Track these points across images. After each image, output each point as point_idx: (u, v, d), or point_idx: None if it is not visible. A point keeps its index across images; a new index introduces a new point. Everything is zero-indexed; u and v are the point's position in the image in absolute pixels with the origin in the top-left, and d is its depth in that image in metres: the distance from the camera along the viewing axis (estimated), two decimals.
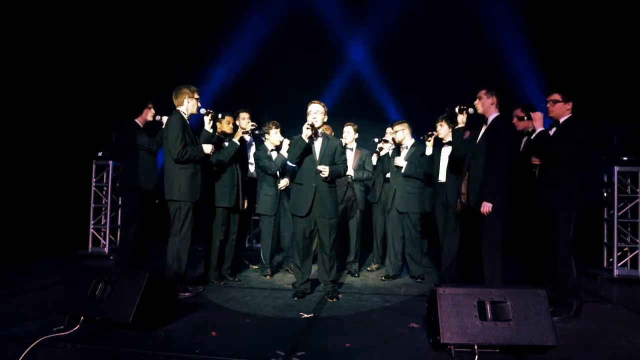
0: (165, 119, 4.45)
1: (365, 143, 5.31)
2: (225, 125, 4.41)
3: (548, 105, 3.48)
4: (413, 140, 4.82)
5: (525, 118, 3.76)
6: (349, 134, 4.98)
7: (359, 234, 5.09)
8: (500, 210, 3.42)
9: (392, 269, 4.82)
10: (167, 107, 3.99)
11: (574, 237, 3.30)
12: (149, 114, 4.70)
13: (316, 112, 3.86)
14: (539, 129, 3.46)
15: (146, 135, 4.62)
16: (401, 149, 4.84)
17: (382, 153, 5.05)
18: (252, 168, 4.94)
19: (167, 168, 3.84)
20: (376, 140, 5.10)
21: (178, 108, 3.90)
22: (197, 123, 4.24)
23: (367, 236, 5.49)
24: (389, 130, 5.14)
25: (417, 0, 6.49)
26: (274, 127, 4.87)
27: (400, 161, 4.71)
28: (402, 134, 4.79)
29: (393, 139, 4.92)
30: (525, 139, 3.90)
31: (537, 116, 3.50)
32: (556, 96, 3.44)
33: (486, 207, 3.40)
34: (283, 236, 5.13)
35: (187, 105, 3.90)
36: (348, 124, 5.04)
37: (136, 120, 4.68)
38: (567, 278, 3.30)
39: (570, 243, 3.29)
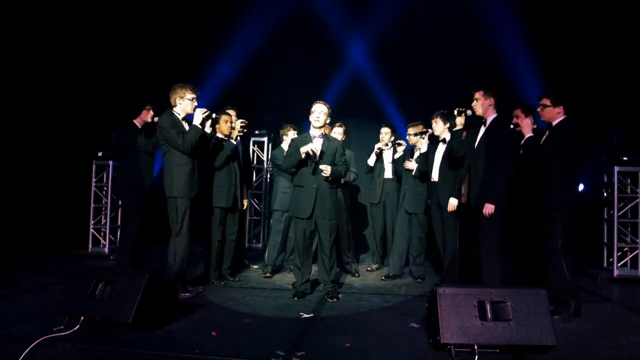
0: None
1: (364, 142, 5.31)
2: (223, 125, 4.39)
3: (538, 109, 3.52)
4: (428, 142, 4.83)
5: (513, 126, 3.77)
6: (338, 136, 4.96)
7: (350, 235, 5.10)
8: (501, 211, 3.43)
9: (394, 269, 4.82)
10: (166, 107, 3.99)
11: (567, 238, 3.29)
12: (148, 115, 4.71)
13: (320, 112, 3.87)
14: (527, 134, 3.49)
15: (144, 136, 4.63)
16: (415, 150, 4.86)
17: (396, 155, 5.05)
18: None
19: (166, 166, 3.86)
20: (389, 143, 5.07)
21: (173, 108, 3.91)
22: None
23: (360, 236, 5.50)
24: (383, 130, 5.15)
25: (417, 0, 6.49)
26: (291, 129, 4.97)
27: (411, 164, 4.73)
28: (416, 137, 4.81)
29: (407, 142, 4.94)
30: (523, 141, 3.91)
31: (525, 123, 3.54)
32: (545, 101, 3.46)
33: (488, 208, 3.40)
34: (290, 236, 5.14)
35: (180, 106, 3.90)
36: (337, 124, 5.01)
37: (134, 121, 4.70)
38: (559, 278, 3.29)
39: (557, 244, 3.28)
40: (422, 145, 4.61)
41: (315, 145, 3.82)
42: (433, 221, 4.55)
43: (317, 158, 3.82)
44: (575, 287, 3.37)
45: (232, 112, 4.59)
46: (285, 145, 4.97)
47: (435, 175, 4.44)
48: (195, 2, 6.82)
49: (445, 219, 4.28)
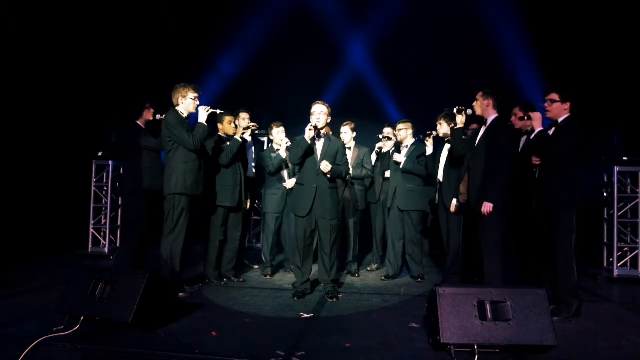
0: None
1: (364, 142, 5.31)
2: (226, 126, 4.41)
3: (546, 105, 3.47)
4: (414, 140, 4.83)
5: (526, 118, 3.76)
6: (347, 135, 4.96)
7: (357, 234, 5.08)
8: (501, 211, 3.43)
9: (392, 269, 4.82)
10: (167, 106, 4.00)
11: (576, 237, 3.29)
12: (150, 114, 4.68)
13: (320, 113, 3.87)
14: (538, 129, 3.44)
15: (151, 135, 4.56)
16: (402, 148, 4.86)
17: (383, 151, 5.06)
18: (251, 170, 4.94)
19: (171, 164, 3.84)
20: (380, 136, 5.09)
21: (176, 107, 3.92)
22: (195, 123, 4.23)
23: (366, 236, 5.48)
24: (385, 130, 5.15)
25: (417, 0, 6.49)
26: (274, 127, 4.93)
27: (400, 157, 4.72)
28: (405, 132, 4.82)
29: (395, 137, 4.93)
30: (524, 138, 3.90)
31: (537, 116, 3.47)
32: (554, 96, 3.42)
33: (487, 207, 3.41)
34: (284, 236, 5.14)
35: (183, 105, 3.90)
36: (345, 123, 5.01)
37: (138, 122, 4.66)
38: (567, 279, 3.29)
39: (572, 243, 3.28)
40: (428, 147, 4.60)
41: (314, 122, 3.81)
42: (440, 221, 4.56)
43: (319, 128, 3.82)
44: (578, 288, 3.37)
45: (246, 115, 4.64)
46: (275, 145, 4.93)
47: (440, 176, 4.45)
48: (196, 2, 6.83)
49: (450, 218, 4.29)
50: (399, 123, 4.90)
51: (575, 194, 3.29)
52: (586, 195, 3.44)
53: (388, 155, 4.95)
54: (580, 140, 3.29)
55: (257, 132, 4.84)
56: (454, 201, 4.12)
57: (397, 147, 4.92)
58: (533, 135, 3.48)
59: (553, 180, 3.36)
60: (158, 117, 4.58)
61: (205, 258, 4.42)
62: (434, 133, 4.53)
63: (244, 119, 4.65)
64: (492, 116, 3.65)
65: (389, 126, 5.19)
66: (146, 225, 4.58)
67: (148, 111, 4.66)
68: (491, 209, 3.40)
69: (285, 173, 4.89)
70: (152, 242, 5.01)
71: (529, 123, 3.61)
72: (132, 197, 4.65)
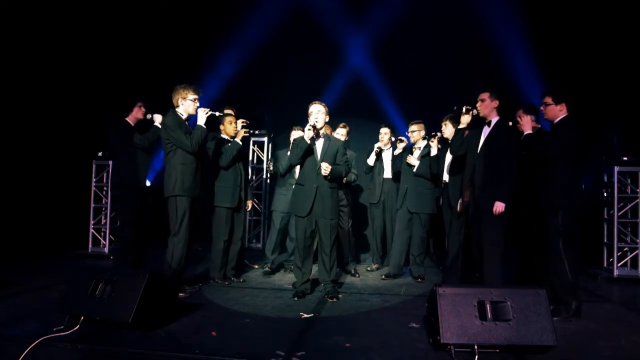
0: (156, 116, 4.50)
1: (365, 142, 5.32)
2: (227, 126, 4.41)
3: (542, 108, 3.53)
4: (426, 141, 4.84)
5: (510, 124, 3.77)
6: (341, 137, 4.94)
7: (350, 234, 5.10)
8: (504, 211, 3.44)
9: (394, 268, 4.82)
10: (165, 106, 4.00)
11: (569, 238, 3.29)
12: (140, 113, 4.71)
13: (317, 113, 3.87)
14: (526, 132, 3.51)
15: (137, 132, 4.62)
16: (414, 149, 4.87)
17: (395, 152, 5.07)
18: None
19: (170, 166, 3.85)
20: (393, 139, 5.10)
21: (176, 108, 3.92)
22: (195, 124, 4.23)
23: (362, 236, 5.50)
24: (383, 130, 5.16)
25: (418, 0, 6.49)
26: (295, 129, 4.95)
27: (414, 160, 4.73)
28: (418, 134, 4.84)
29: (408, 138, 4.96)
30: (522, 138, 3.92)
31: (525, 120, 3.56)
32: (547, 99, 3.47)
33: (499, 207, 3.42)
34: (290, 237, 5.16)
35: (182, 107, 3.90)
36: (341, 125, 5.01)
37: (127, 119, 4.70)
38: (561, 278, 3.31)
39: (559, 244, 3.29)
40: (432, 148, 4.61)
41: (313, 121, 3.81)
42: (444, 221, 4.57)
43: (317, 128, 3.82)
44: (576, 287, 3.37)
45: (230, 112, 4.60)
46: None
47: (446, 177, 4.46)
48: (196, 2, 6.82)
49: (454, 218, 4.29)
50: (412, 124, 4.92)
51: (564, 195, 3.30)
52: (583, 196, 3.45)
53: (400, 156, 4.96)
54: (572, 136, 3.31)
55: (257, 131, 4.84)
56: (461, 200, 4.13)
57: (410, 148, 4.93)
58: (522, 138, 3.52)
59: (544, 182, 3.40)
60: (149, 116, 4.62)
61: (209, 259, 4.41)
62: (439, 134, 4.54)
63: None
64: (495, 117, 3.66)
65: (385, 126, 5.21)
66: (142, 221, 4.60)
67: (139, 109, 4.70)
68: (503, 209, 3.41)
69: (297, 171, 4.91)
70: (151, 242, 5.03)
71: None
72: (121, 194, 4.68)
